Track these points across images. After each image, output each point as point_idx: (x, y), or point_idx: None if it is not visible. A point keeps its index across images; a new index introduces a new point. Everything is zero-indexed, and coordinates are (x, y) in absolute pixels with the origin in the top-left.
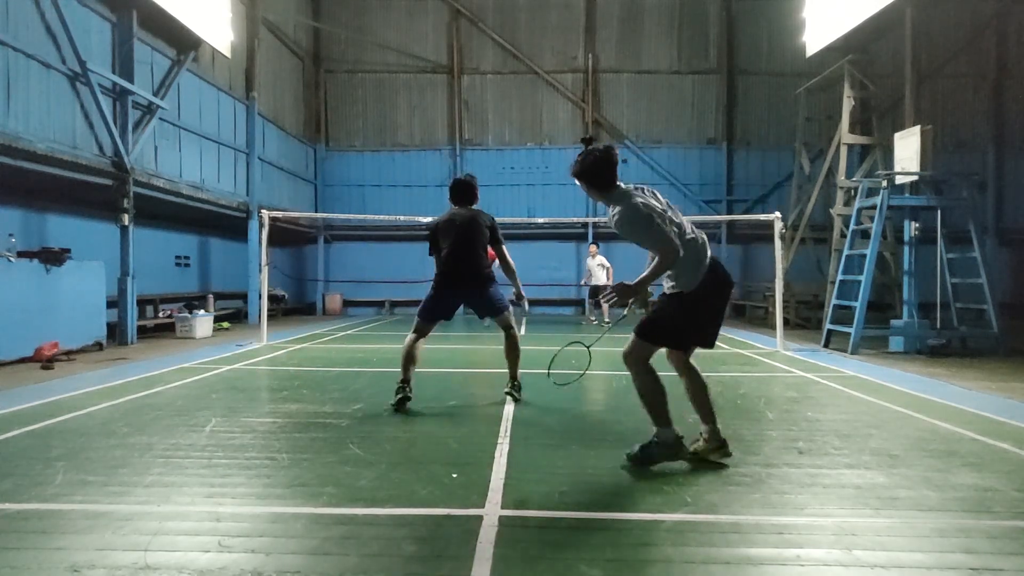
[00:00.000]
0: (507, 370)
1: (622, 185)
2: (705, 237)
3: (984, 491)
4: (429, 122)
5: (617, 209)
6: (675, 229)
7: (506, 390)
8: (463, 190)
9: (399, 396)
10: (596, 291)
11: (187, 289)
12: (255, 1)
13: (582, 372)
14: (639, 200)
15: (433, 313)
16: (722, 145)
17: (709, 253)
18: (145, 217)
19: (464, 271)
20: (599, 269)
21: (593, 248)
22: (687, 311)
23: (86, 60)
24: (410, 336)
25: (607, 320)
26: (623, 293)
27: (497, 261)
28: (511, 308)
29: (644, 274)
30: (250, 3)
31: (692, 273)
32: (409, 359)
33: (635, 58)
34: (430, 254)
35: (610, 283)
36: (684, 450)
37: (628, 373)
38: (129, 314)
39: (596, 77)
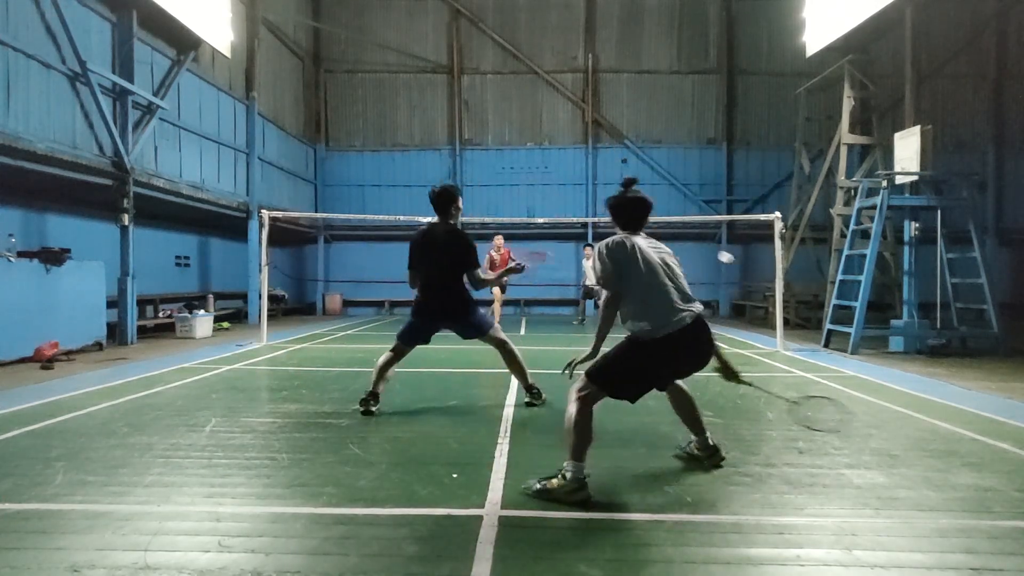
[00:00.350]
0: (508, 370)
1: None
2: (697, 309)
3: (984, 491)
4: (429, 122)
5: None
6: (646, 278)
7: (526, 400)
8: (440, 201)
9: (364, 408)
10: (589, 292)
11: (187, 289)
12: (255, 1)
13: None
14: (624, 241)
15: (412, 339)
16: (722, 145)
17: (689, 321)
18: (145, 217)
19: (442, 301)
20: (593, 271)
21: (588, 250)
22: (628, 355)
23: (86, 60)
24: (387, 355)
25: None
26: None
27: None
28: (496, 325)
29: (595, 339)
30: (250, 3)
31: (650, 324)
32: (381, 377)
33: (635, 58)
34: (409, 267)
35: None
36: (588, 494)
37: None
38: (129, 314)
39: (596, 77)
